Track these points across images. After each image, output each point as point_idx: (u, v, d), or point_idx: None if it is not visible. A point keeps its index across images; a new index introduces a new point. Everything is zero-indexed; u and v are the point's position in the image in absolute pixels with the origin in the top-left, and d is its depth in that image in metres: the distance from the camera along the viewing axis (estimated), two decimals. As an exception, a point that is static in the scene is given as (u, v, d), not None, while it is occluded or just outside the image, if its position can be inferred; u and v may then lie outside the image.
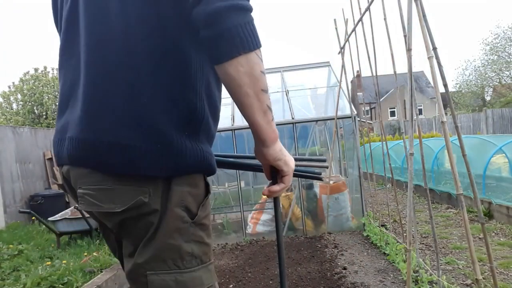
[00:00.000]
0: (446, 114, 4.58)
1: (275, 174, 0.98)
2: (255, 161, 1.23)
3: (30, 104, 15.31)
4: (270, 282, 3.14)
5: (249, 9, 0.83)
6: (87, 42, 0.91)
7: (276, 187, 0.98)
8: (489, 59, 25.93)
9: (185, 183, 0.92)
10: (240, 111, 0.87)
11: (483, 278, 2.17)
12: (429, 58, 2.10)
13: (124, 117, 0.87)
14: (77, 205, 1.29)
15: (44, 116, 15.12)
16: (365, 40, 3.57)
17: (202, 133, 0.96)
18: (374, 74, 3.51)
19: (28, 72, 15.85)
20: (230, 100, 5.32)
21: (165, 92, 0.89)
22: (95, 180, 0.89)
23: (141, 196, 0.87)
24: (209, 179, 1.04)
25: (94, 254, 3.80)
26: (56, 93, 14.61)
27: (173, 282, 0.90)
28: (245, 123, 4.57)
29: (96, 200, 0.89)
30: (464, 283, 2.82)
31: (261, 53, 0.85)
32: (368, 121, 19.56)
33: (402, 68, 2.84)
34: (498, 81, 26.78)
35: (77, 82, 0.94)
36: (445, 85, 2.13)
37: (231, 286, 3.17)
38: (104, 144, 0.87)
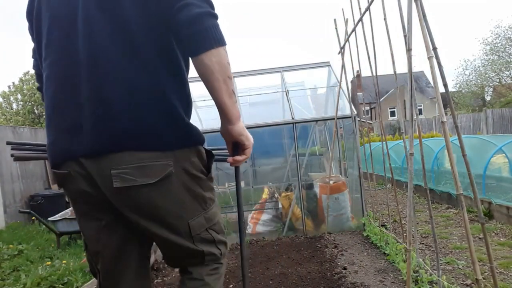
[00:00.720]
0: (446, 114, 4.57)
1: (236, 149, 1.25)
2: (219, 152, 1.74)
3: (30, 104, 15.32)
4: (270, 282, 3.14)
5: (217, 17, 1.10)
6: (93, 52, 1.10)
7: (239, 157, 1.25)
8: (489, 59, 25.86)
9: (195, 154, 1.21)
10: (211, 94, 1.11)
11: (483, 278, 2.17)
12: (429, 58, 2.10)
13: (149, 109, 1.11)
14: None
15: (44, 116, 15.11)
16: (365, 40, 3.57)
17: (190, 116, 1.24)
18: (374, 74, 3.50)
19: (28, 72, 15.87)
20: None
21: (174, 88, 1.16)
22: (130, 160, 1.10)
23: (171, 168, 1.13)
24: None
25: (94, 254, 3.80)
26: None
27: (203, 219, 1.25)
28: (245, 124, 4.58)
29: (131, 176, 1.10)
30: (464, 283, 2.82)
31: (226, 49, 1.10)
32: (368, 121, 19.56)
33: (402, 68, 2.83)
34: (498, 81, 26.73)
35: (80, 85, 1.11)
36: (445, 85, 2.12)
37: (231, 286, 3.16)
38: (139, 131, 1.10)
